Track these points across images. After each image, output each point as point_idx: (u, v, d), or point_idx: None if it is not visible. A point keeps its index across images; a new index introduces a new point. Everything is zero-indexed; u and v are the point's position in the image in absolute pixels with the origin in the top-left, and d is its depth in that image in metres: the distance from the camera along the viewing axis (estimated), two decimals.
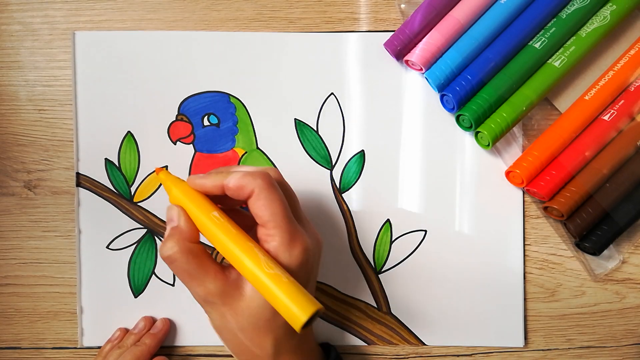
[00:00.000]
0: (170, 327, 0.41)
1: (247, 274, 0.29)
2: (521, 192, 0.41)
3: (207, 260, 0.31)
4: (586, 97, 0.39)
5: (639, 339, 0.42)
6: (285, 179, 0.33)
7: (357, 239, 0.41)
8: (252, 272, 0.29)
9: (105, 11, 0.41)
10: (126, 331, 0.41)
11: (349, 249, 0.41)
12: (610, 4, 0.39)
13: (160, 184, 0.41)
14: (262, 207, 0.30)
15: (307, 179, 0.41)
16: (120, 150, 0.41)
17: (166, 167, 0.41)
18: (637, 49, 0.39)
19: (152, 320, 0.41)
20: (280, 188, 0.31)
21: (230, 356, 0.42)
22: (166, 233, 0.31)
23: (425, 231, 0.41)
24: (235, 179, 0.30)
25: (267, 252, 0.30)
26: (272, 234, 0.30)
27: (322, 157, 0.42)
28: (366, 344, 0.42)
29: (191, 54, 0.41)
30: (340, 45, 0.41)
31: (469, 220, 0.41)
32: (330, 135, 0.41)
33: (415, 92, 0.41)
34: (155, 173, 0.35)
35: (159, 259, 0.41)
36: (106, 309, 0.41)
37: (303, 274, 0.31)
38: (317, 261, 0.33)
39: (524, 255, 0.41)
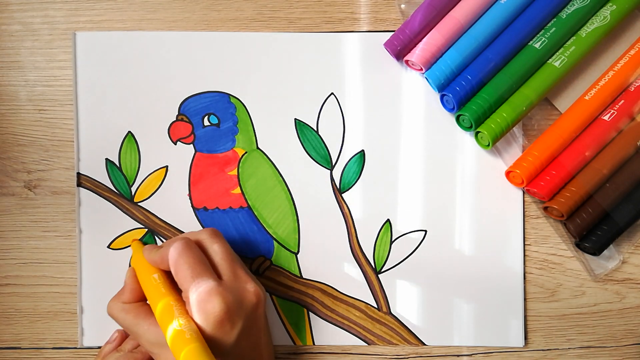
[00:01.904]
0: None
1: (163, 328, 0.32)
2: (521, 192, 0.41)
3: (142, 315, 0.35)
4: (586, 97, 0.39)
5: (639, 339, 0.42)
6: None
7: (357, 239, 0.41)
8: (165, 326, 0.32)
9: (105, 11, 0.41)
10: (124, 333, 0.41)
11: (349, 249, 0.41)
12: (610, 4, 0.39)
13: (161, 184, 0.41)
14: (175, 274, 0.34)
15: (307, 179, 0.41)
16: (121, 150, 0.41)
17: (166, 166, 0.41)
18: (637, 49, 0.39)
19: None
20: (194, 249, 0.34)
21: None
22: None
23: (425, 231, 0.41)
24: (157, 253, 0.35)
25: (186, 312, 0.33)
26: (187, 296, 0.33)
27: (322, 157, 0.42)
28: (366, 344, 0.42)
29: (191, 54, 0.41)
30: (340, 45, 0.41)
31: (469, 220, 0.41)
32: (330, 135, 0.41)
33: (415, 92, 0.41)
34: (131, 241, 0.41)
35: None
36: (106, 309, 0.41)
37: (218, 331, 0.32)
38: (244, 314, 0.34)
39: (524, 255, 0.41)
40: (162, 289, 0.34)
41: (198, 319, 0.32)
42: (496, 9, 0.39)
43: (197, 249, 0.35)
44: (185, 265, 0.33)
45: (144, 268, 0.36)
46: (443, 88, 0.39)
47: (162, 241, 0.41)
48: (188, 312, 0.33)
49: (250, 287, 0.35)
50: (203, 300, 0.32)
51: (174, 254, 0.34)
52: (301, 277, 0.42)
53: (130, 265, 0.38)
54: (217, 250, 0.35)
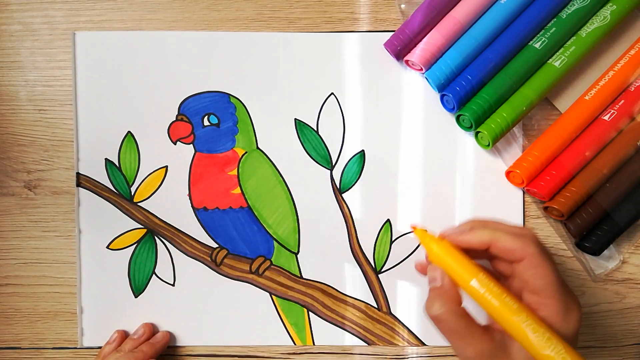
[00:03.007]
0: (170, 327, 0.41)
1: (528, 348, 0.29)
2: (521, 192, 0.41)
3: (472, 322, 0.31)
4: (586, 97, 0.39)
5: (639, 339, 0.42)
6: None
7: (357, 239, 0.41)
8: (532, 348, 0.29)
9: (105, 11, 0.41)
10: (124, 333, 0.41)
11: (349, 249, 0.41)
12: (610, 4, 0.39)
13: (161, 184, 0.41)
14: (535, 276, 0.30)
15: (307, 179, 0.41)
16: (121, 150, 0.41)
17: (166, 166, 0.41)
18: (637, 49, 0.39)
19: (152, 328, 0.41)
20: (549, 254, 0.32)
21: (230, 356, 0.42)
22: (430, 292, 0.32)
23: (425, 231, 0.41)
24: (507, 242, 0.31)
25: (544, 327, 0.29)
26: (546, 303, 0.30)
27: (322, 157, 0.42)
28: (366, 344, 0.42)
29: (191, 54, 0.41)
30: (340, 45, 0.41)
31: None
32: (330, 135, 0.41)
33: (415, 92, 0.41)
34: (413, 228, 0.36)
35: (160, 258, 0.41)
36: (106, 309, 0.41)
37: (574, 342, 0.30)
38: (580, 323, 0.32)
39: None
40: (501, 294, 0.30)
41: (561, 328, 0.30)
42: (496, 9, 0.39)
43: (549, 254, 0.32)
44: (550, 271, 0.30)
45: (464, 267, 0.31)
46: (443, 88, 0.39)
47: (163, 242, 0.41)
48: (542, 320, 0.30)
49: (575, 294, 0.33)
50: (568, 310, 0.30)
51: (537, 257, 0.30)
52: (301, 277, 0.42)
53: (424, 261, 0.35)
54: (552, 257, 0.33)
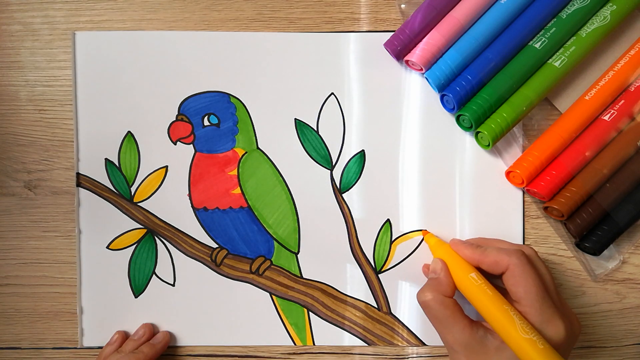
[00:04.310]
0: (170, 327, 0.41)
1: (503, 334, 0.31)
2: (521, 192, 0.41)
3: (457, 313, 0.33)
4: (586, 97, 0.39)
5: (639, 339, 0.42)
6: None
7: (357, 239, 0.41)
8: (508, 333, 0.31)
9: (105, 11, 0.41)
10: (125, 334, 0.41)
11: (349, 249, 0.41)
12: (610, 4, 0.39)
13: (161, 184, 0.41)
14: (515, 284, 0.33)
15: (307, 179, 0.41)
16: (121, 150, 0.41)
17: (166, 166, 0.41)
18: (637, 49, 0.39)
19: (152, 328, 0.41)
20: (535, 267, 0.34)
21: (230, 356, 0.42)
22: (427, 282, 0.36)
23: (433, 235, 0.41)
24: (491, 256, 0.34)
25: (526, 322, 0.31)
26: (524, 312, 0.32)
27: (322, 157, 0.42)
28: (366, 344, 0.42)
29: (191, 54, 0.41)
30: (340, 45, 0.41)
31: (469, 220, 0.41)
32: (330, 135, 0.41)
33: (415, 92, 0.41)
34: (422, 232, 0.41)
35: (160, 258, 0.41)
36: (106, 309, 0.41)
37: (562, 353, 0.32)
38: (570, 345, 0.33)
39: None
40: (489, 291, 0.33)
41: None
42: (496, 9, 0.39)
43: (535, 267, 0.34)
44: (531, 281, 0.32)
45: (459, 265, 0.35)
46: (443, 88, 0.39)
47: (163, 242, 0.41)
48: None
49: (575, 317, 0.34)
50: (547, 321, 0.32)
51: (519, 267, 0.33)
52: (301, 277, 0.42)
53: (434, 257, 0.38)
54: (545, 272, 0.35)
